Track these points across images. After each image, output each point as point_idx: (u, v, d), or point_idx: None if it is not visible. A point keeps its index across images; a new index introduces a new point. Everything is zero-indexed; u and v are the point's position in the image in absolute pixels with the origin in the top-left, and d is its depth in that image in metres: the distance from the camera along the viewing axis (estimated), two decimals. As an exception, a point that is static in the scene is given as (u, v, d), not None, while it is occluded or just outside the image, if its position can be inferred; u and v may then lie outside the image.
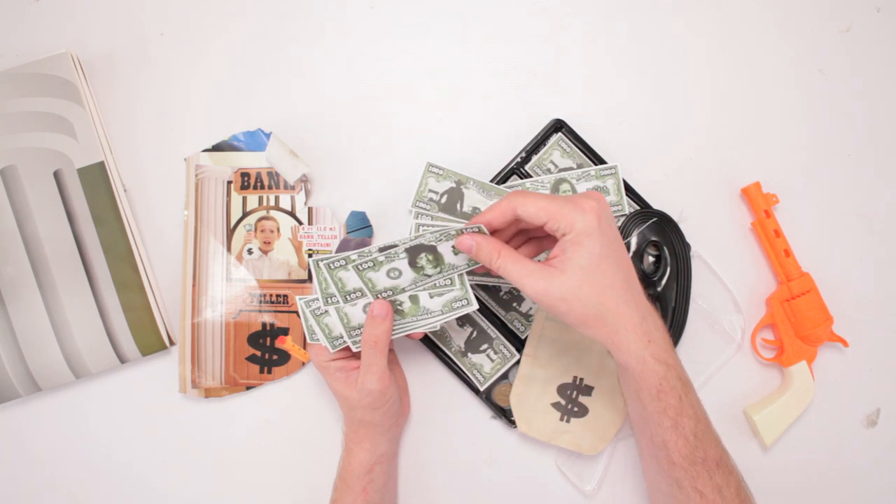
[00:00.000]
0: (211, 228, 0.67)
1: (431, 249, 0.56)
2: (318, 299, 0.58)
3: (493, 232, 0.54)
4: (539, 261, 0.51)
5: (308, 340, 0.60)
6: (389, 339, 0.57)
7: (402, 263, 0.57)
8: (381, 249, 0.56)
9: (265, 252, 0.67)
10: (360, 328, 0.58)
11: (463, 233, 0.53)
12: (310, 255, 0.67)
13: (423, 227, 0.65)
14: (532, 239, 0.57)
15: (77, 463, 0.67)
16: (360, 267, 0.56)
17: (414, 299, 0.58)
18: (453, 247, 0.57)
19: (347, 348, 0.59)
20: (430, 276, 0.58)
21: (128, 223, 0.66)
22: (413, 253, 0.56)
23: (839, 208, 0.69)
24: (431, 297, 0.58)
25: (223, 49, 0.70)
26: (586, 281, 0.48)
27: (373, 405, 0.58)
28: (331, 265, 0.56)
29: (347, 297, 0.57)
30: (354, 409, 0.59)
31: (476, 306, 0.58)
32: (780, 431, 0.65)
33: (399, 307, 0.58)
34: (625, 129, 0.69)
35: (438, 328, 0.59)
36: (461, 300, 0.58)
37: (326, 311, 0.58)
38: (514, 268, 0.50)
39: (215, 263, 0.67)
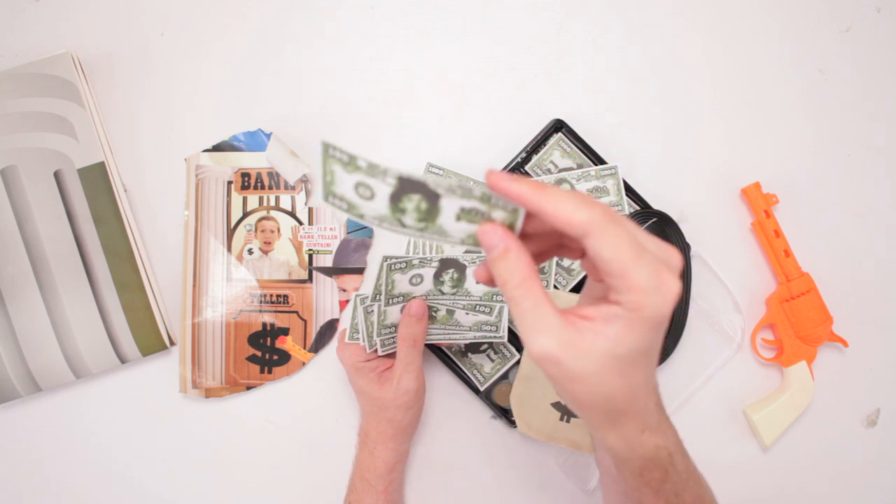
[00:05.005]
0: (211, 228, 0.67)
1: (461, 268, 0.57)
2: (368, 297, 0.58)
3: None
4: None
5: (347, 339, 0.60)
6: (425, 339, 0.58)
7: (429, 272, 0.57)
8: (421, 259, 0.56)
9: (265, 252, 0.67)
10: (391, 327, 0.59)
11: (491, 211, 0.36)
12: (310, 256, 0.67)
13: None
14: (533, 237, 0.39)
15: (77, 463, 0.67)
16: (392, 266, 0.56)
17: (449, 311, 0.60)
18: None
19: (375, 350, 0.60)
20: (444, 294, 0.59)
21: (128, 223, 0.66)
22: (444, 265, 0.57)
23: (839, 208, 0.69)
24: (467, 313, 0.60)
25: (223, 49, 0.70)
26: (613, 372, 0.36)
27: (408, 405, 0.58)
28: (392, 266, 0.56)
29: (392, 299, 0.58)
30: (386, 408, 0.59)
31: (505, 338, 0.60)
32: (780, 431, 0.65)
33: (433, 313, 0.59)
34: (625, 130, 0.69)
35: (462, 346, 0.60)
36: (492, 326, 0.60)
37: (372, 311, 0.59)
38: (531, 311, 0.35)
39: (216, 263, 0.67)
